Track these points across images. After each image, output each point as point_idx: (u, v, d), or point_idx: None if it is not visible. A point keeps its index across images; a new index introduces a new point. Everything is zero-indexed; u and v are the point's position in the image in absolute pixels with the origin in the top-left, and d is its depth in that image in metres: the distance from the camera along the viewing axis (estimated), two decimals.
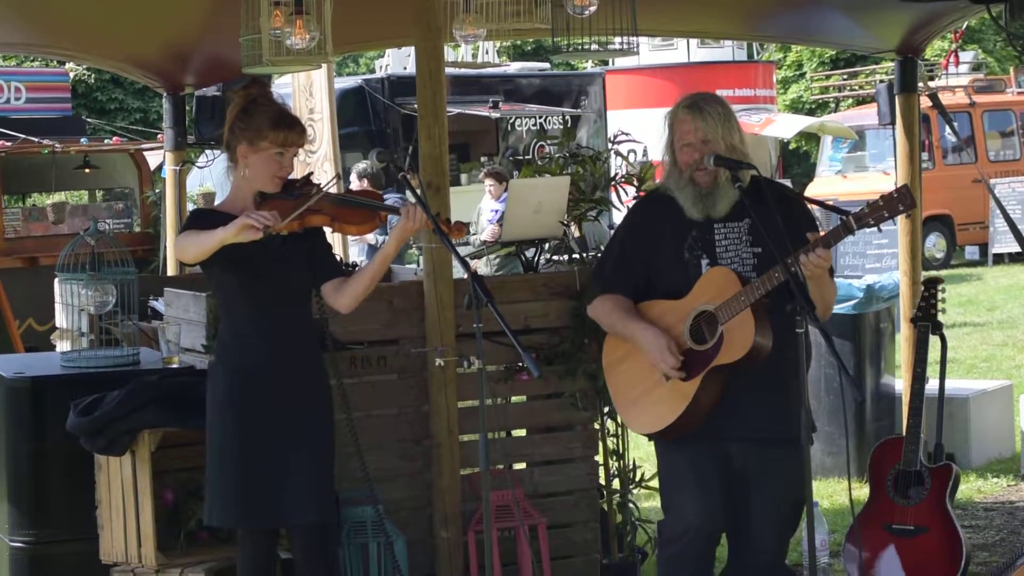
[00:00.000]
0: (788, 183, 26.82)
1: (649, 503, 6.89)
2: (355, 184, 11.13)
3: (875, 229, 4.69)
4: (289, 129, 4.86)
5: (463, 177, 20.18)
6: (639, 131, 9.43)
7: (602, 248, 5.68)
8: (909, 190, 4.73)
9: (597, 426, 6.31)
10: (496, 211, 12.71)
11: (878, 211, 4.62)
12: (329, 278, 4.91)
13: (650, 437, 5.07)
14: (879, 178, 21.58)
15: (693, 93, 5.04)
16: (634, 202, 5.92)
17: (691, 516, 4.93)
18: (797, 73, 35.18)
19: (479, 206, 13.39)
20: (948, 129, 20.85)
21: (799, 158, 35.01)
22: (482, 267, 11.16)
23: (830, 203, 5.29)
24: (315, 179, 4.95)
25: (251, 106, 4.88)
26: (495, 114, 20.18)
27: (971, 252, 22.85)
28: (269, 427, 4.80)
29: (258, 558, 4.94)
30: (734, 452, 4.91)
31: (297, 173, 4.98)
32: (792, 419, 4.86)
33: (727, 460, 4.93)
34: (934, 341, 6.29)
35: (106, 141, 15.63)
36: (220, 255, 4.71)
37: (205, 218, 4.88)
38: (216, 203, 5.01)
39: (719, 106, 4.93)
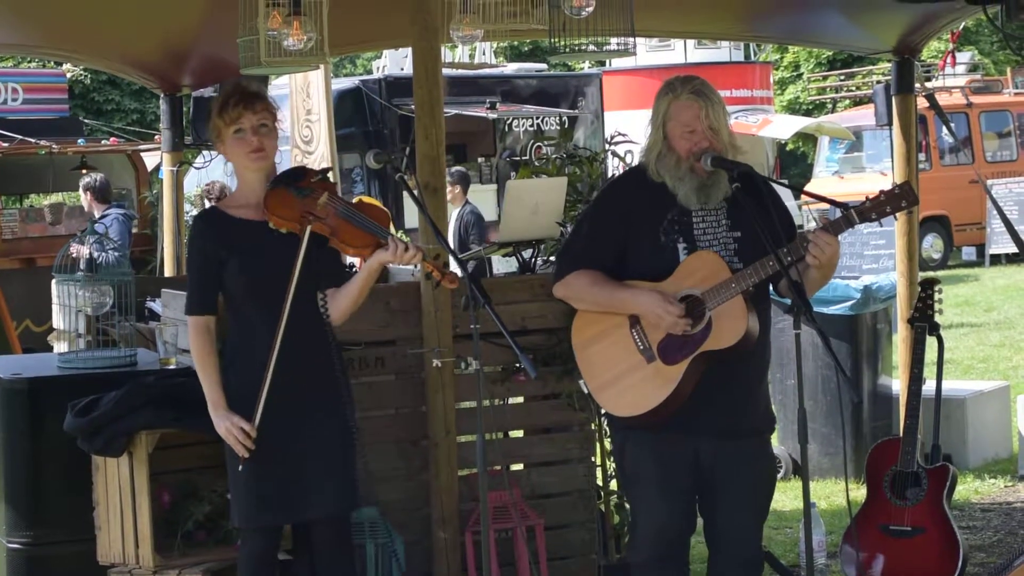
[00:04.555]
0: (785, 184, 26.90)
1: None
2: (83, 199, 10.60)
3: (875, 225, 4.70)
4: (232, 107, 4.84)
5: None
6: (636, 132, 9.41)
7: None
8: (911, 186, 4.72)
9: (594, 427, 6.30)
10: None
11: (881, 205, 4.63)
12: (329, 285, 4.85)
13: (623, 424, 4.89)
14: (876, 179, 21.58)
15: (683, 76, 4.86)
16: (607, 184, 5.83)
17: (658, 518, 4.85)
18: (794, 74, 35.23)
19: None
20: (945, 130, 20.90)
21: (796, 159, 35.07)
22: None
23: (831, 197, 5.26)
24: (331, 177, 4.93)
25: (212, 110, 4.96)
26: (492, 115, 20.19)
27: (968, 253, 22.87)
28: (283, 425, 4.77)
29: (263, 555, 4.90)
30: (703, 447, 4.80)
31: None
32: (759, 411, 4.91)
33: (696, 457, 4.81)
34: (931, 342, 6.30)
35: (103, 142, 15.63)
36: (223, 283, 4.80)
37: (210, 221, 4.89)
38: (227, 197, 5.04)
39: (715, 93, 4.81)
